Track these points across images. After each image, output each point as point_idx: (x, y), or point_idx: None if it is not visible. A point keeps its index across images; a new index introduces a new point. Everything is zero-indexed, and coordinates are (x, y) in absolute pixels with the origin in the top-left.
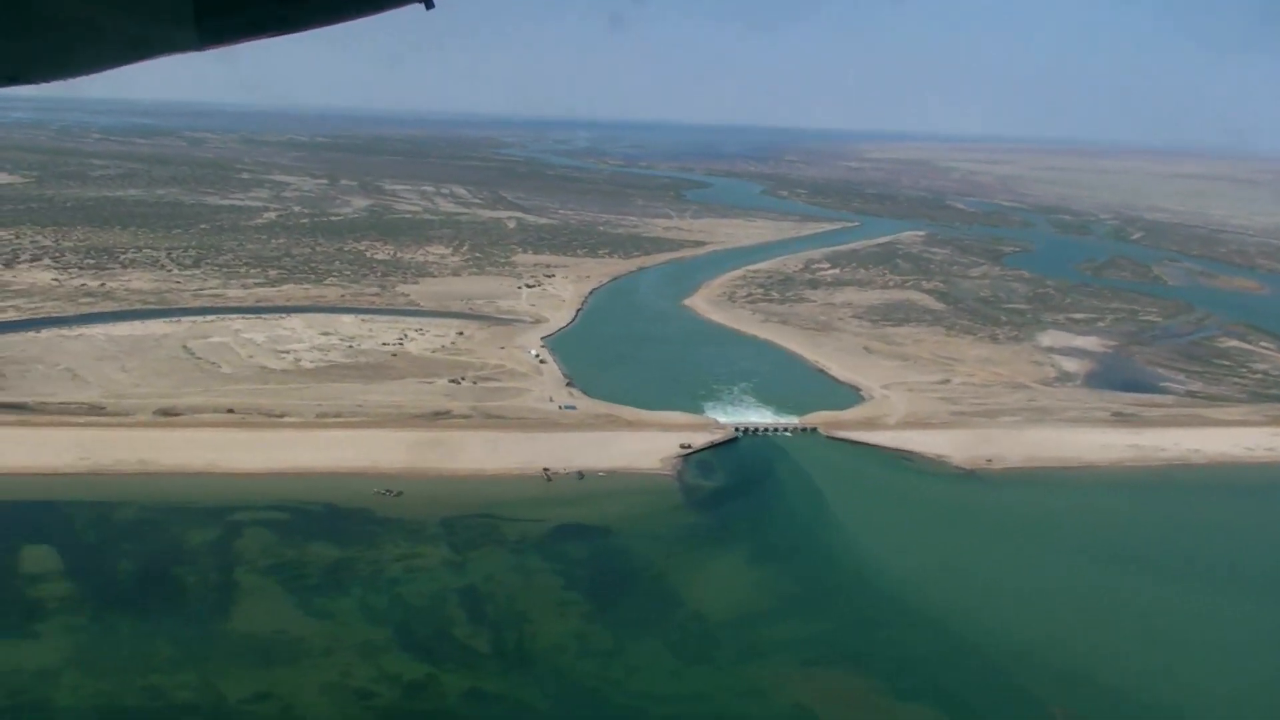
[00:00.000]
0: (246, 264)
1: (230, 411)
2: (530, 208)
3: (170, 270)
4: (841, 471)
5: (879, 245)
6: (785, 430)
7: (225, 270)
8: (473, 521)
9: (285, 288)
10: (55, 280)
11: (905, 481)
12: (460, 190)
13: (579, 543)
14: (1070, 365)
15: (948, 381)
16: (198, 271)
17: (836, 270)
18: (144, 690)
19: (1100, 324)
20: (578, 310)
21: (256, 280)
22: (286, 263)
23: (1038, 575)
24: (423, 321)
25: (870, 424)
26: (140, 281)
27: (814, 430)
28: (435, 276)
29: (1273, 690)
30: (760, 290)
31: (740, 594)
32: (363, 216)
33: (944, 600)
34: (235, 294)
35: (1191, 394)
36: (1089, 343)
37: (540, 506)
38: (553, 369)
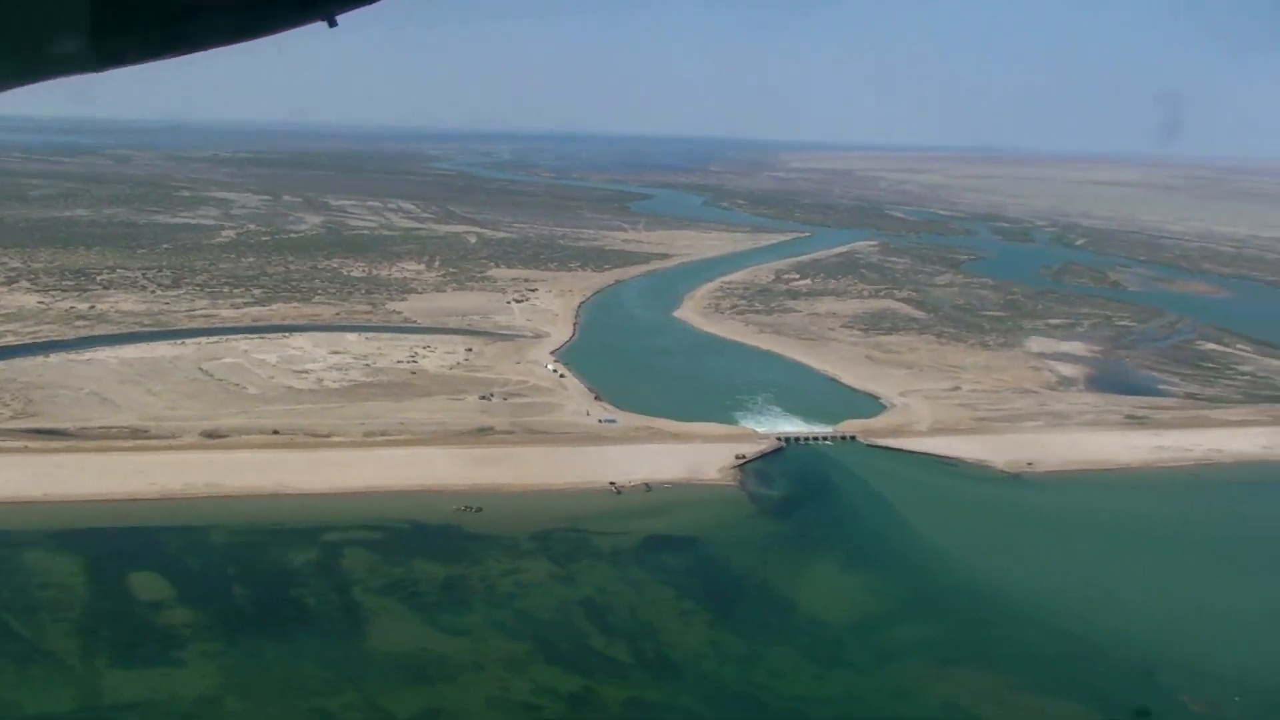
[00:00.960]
0: (226, 283)
1: (275, 433)
2: (484, 222)
3: (153, 291)
4: (894, 478)
5: (838, 255)
6: (825, 439)
7: (208, 290)
8: (562, 535)
9: (275, 306)
10: (41, 303)
11: (958, 486)
12: (407, 205)
13: (672, 553)
14: (1067, 370)
15: (958, 389)
16: (180, 292)
17: (808, 281)
18: (312, 713)
19: (1079, 329)
20: (574, 324)
21: (244, 300)
22: (265, 281)
23: (1119, 571)
24: (427, 338)
25: (901, 431)
26: (128, 303)
27: (853, 439)
28: (420, 293)
29: None
30: (743, 301)
31: (850, 599)
32: (321, 233)
33: (1043, 598)
34: (228, 314)
35: (1191, 396)
36: (1076, 348)
37: (620, 519)
38: (575, 383)
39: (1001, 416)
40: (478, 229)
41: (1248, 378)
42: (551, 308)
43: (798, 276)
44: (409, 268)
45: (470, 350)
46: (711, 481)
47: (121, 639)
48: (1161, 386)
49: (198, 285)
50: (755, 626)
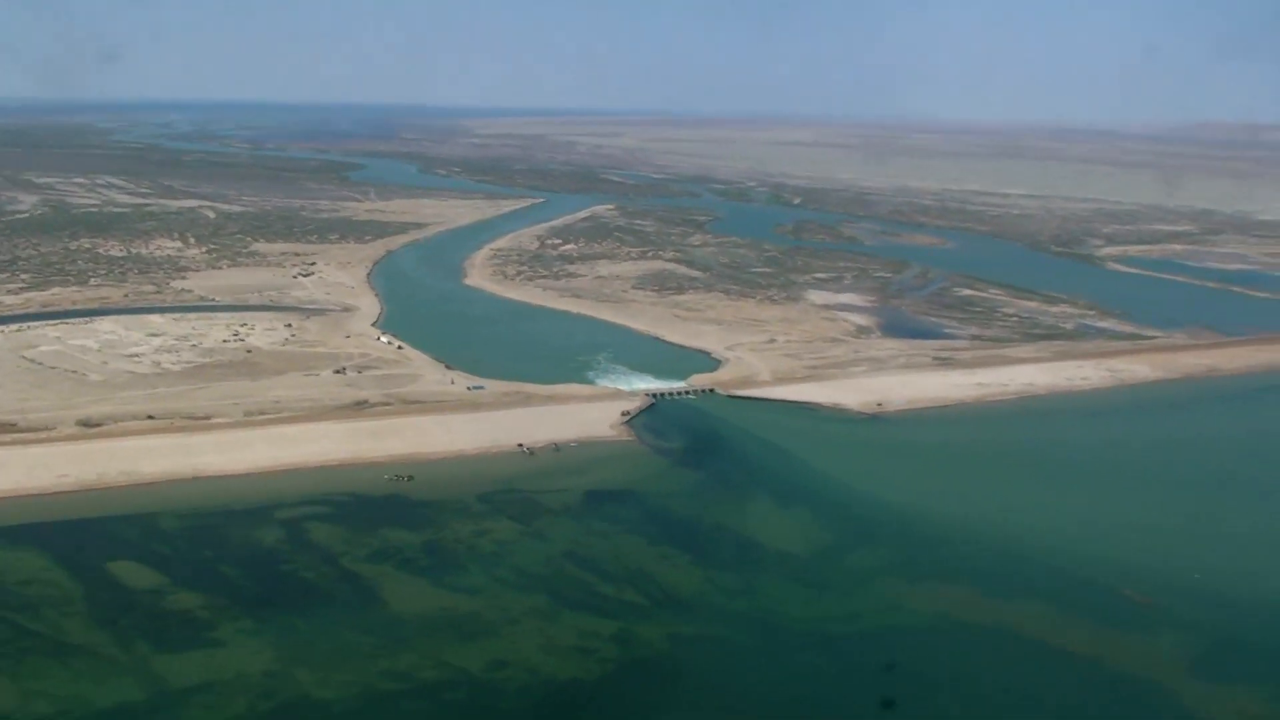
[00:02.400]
0: None
1: (151, 418)
2: (212, 196)
3: None
4: (770, 425)
5: (584, 220)
6: (688, 393)
7: None
8: (505, 497)
9: (55, 291)
10: None
11: (830, 428)
12: (117, 181)
13: (618, 505)
14: (858, 319)
15: (774, 341)
16: None
17: (572, 246)
18: (385, 675)
19: (846, 282)
20: (376, 296)
21: (17, 285)
22: (26, 265)
23: (1001, 491)
24: (237, 316)
25: (749, 382)
26: None
27: (712, 391)
28: (197, 271)
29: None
30: (525, 267)
31: (798, 531)
32: (48, 213)
33: (955, 520)
34: (10, 300)
35: (976, 337)
36: (852, 299)
37: (549, 478)
38: (416, 354)
39: (827, 364)
40: (209, 203)
41: (1015, 319)
42: (341, 280)
43: (560, 241)
44: (167, 245)
45: (289, 326)
46: (610, 438)
47: (146, 627)
48: (947, 330)
49: None
50: (733, 562)
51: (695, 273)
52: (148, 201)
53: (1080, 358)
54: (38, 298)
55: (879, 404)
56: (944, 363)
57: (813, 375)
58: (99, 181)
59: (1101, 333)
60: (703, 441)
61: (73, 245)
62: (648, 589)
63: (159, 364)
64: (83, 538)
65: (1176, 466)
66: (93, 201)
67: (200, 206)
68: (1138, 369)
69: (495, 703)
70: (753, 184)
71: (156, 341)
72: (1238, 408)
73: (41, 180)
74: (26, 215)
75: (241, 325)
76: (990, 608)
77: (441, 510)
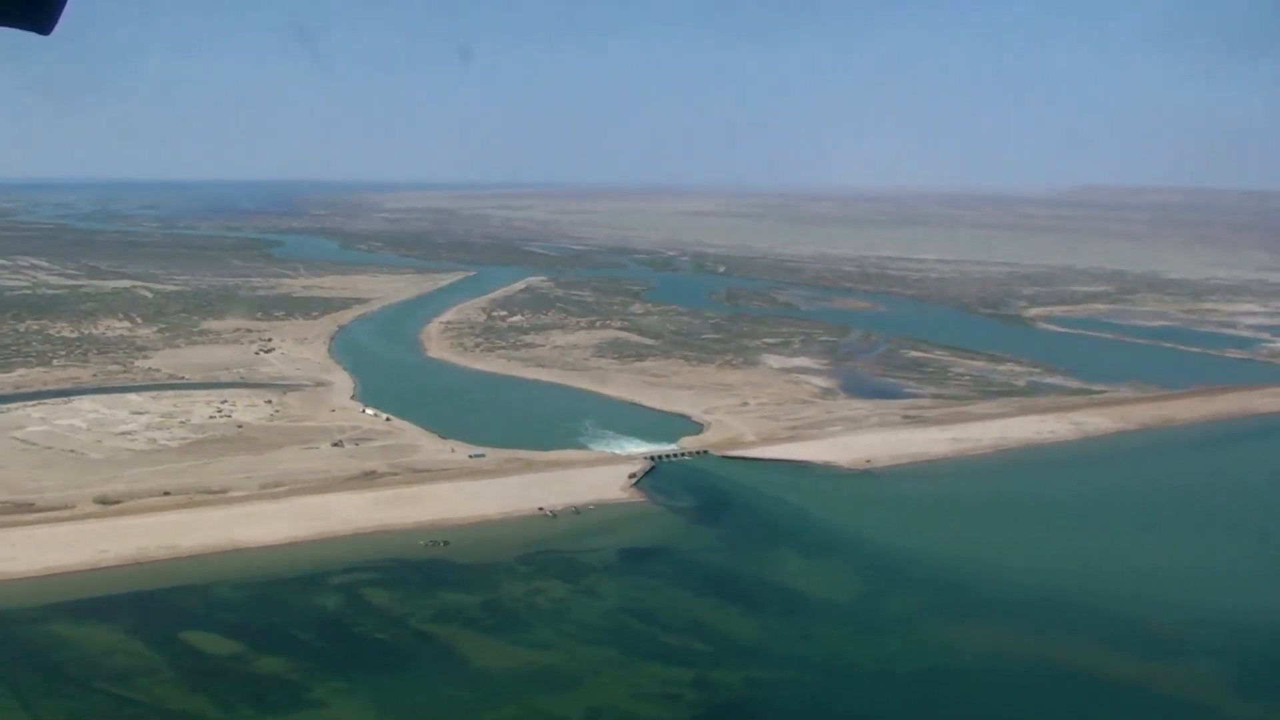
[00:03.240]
0: None
1: (167, 494)
2: (141, 275)
3: None
4: (770, 483)
5: (522, 292)
6: (684, 455)
7: None
8: (543, 557)
9: (20, 373)
10: None
11: (827, 484)
12: (39, 262)
13: (654, 562)
14: (820, 382)
15: (747, 404)
16: None
17: (519, 317)
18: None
19: (795, 346)
20: (345, 371)
21: None
22: None
23: (1004, 537)
24: (214, 393)
25: (736, 444)
26: None
27: (705, 452)
28: (157, 349)
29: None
30: (481, 339)
31: (831, 579)
32: None
33: (970, 564)
34: None
35: (937, 396)
36: (807, 362)
37: (579, 538)
38: (405, 425)
39: (804, 424)
40: (141, 283)
41: (968, 378)
42: (305, 356)
43: (506, 313)
44: (115, 326)
45: (269, 402)
46: (624, 500)
47: (243, 691)
48: (907, 390)
49: None
50: (782, 610)
51: (648, 340)
52: (79, 283)
53: (1041, 412)
54: (6, 379)
55: (867, 460)
56: (914, 420)
57: (795, 435)
58: (21, 263)
59: (1052, 388)
60: (712, 500)
61: (20, 327)
62: (710, 638)
63: (155, 441)
64: (145, 610)
65: (1163, 508)
66: (22, 283)
67: (134, 286)
68: (1098, 421)
69: None
70: (673, 253)
71: (143, 419)
72: (1203, 453)
73: None
74: None
75: (223, 402)
76: (1032, 643)
77: (487, 572)
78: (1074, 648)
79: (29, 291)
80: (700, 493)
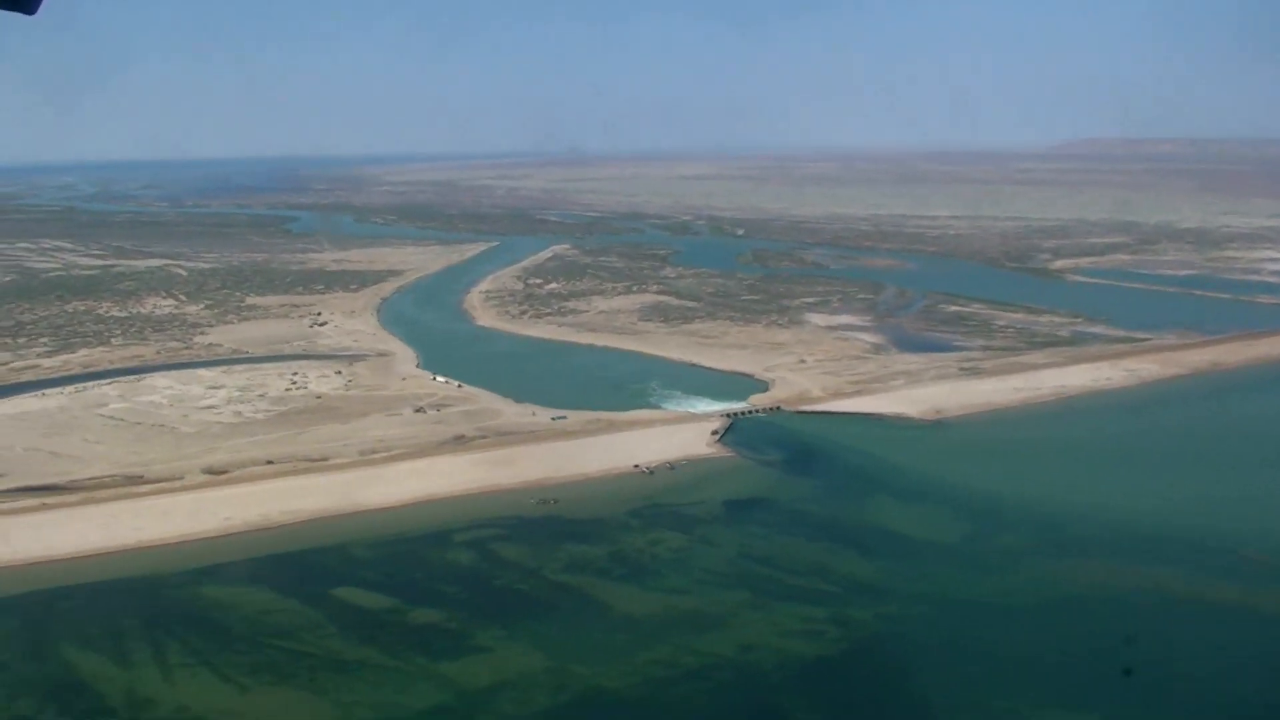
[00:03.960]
0: (10, 334)
1: (270, 463)
2: (170, 254)
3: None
4: (847, 434)
5: (550, 260)
6: (757, 411)
7: (3, 345)
8: (653, 511)
9: (83, 353)
10: None
11: (903, 434)
12: (64, 244)
13: (760, 511)
14: (868, 338)
15: (804, 361)
16: (13, 339)
17: (555, 284)
18: (653, 664)
19: (835, 304)
20: (402, 341)
21: (43, 349)
22: (34, 330)
23: (1083, 478)
24: (281, 366)
25: (804, 399)
26: None
27: (778, 409)
28: (212, 326)
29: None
30: (526, 306)
31: (934, 524)
32: (18, 279)
33: (1063, 505)
34: (49, 364)
35: (986, 348)
36: (851, 320)
37: (679, 492)
38: (478, 391)
39: (866, 379)
40: (171, 261)
41: (1011, 330)
42: (358, 328)
43: (541, 281)
44: (162, 304)
45: (339, 373)
46: (714, 455)
47: (409, 641)
48: (956, 344)
49: None
50: (893, 552)
51: (689, 303)
52: (109, 263)
53: (1092, 360)
54: (74, 359)
55: (937, 411)
56: (971, 372)
57: (860, 390)
58: (45, 245)
59: (1096, 338)
60: (797, 453)
61: (67, 308)
62: (833, 579)
63: (240, 413)
64: (286, 570)
65: (1230, 446)
66: (54, 265)
67: (166, 265)
68: (1149, 367)
69: (763, 678)
70: (687, 218)
71: (221, 393)
72: (1258, 395)
73: None
74: None
75: (293, 374)
76: (1135, 574)
77: (603, 526)
78: (1175, 577)
79: (63, 273)
80: (784, 446)
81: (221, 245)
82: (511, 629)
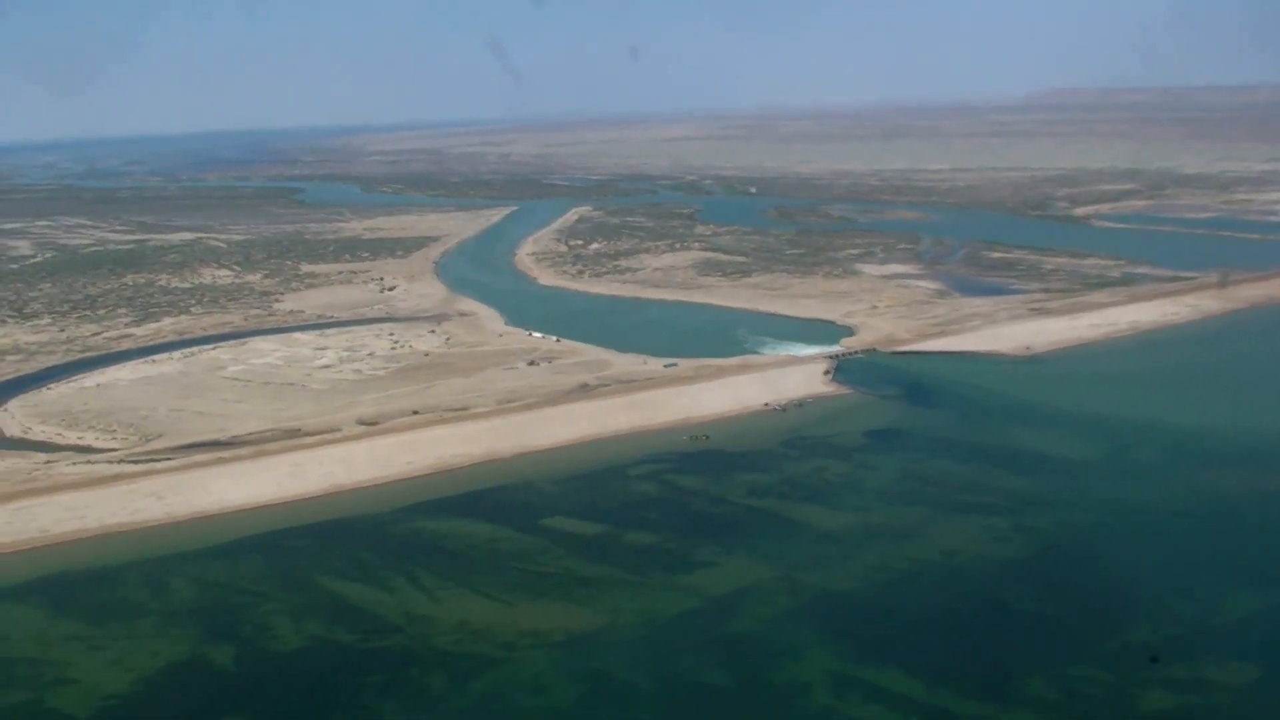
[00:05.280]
0: (75, 308)
1: (416, 413)
2: (197, 227)
3: (19, 321)
4: (951, 371)
5: (579, 222)
6: (856, 353)
7: (76, 316)
8: (803, 443)
9: (170, 321)
10: None
11: (1004, 369)
12: (80, 220)
13: (903, 440)
14: (927, 284)
15: (875, 307)
16: (46, 321)
17: (596, 245)
18: (871, 568)
19: (880, 255)
20: (475, 301)
21: (129, 320)
22: (107, 301)
23: (1201, 402)
24: (374, 328)
25: (893, 341)
26: (20, 335)
27: (873, 350)
28: (283, 294)
29: None
30: (580, 266)
31: (1069, 445)
32: (58, 255)
33: (1180, 426)
34: (140, 333)
35: (1046, 290)
36: (902, 268)
37: (820, 425)
38: (575, 344)
39: (943, 322)
40: (203, 234)
41: (1061, 273)
42: (425, 290)
43: (580, 242)
44: (220, 274)
45: (434, 332)
46: (834, 393)
47: (637, 558)
48: (1015, 287)
49: (57, 313)
50: (1044, 470)
51: (738, 258)
52: (140, 237)
53: (1152, 299)
54: (163, 328)
55: (1027, 348)
56: (1040, 312)
57: (943, 331)
58: (65, 222)
59: (1146, 278)
60: (912, 388)
61: (126, 281)
62: (999, 494)
63: (360, 371)
64: (486, 505)
65: None
66: (87, 241)
67: (200, 238)
68: (1209, 303)
69: (973, 576)
70: (693, 178)
71: (330, 354)
72: None
73: (5, 226)
74: (38, 259)
75: (390, 335)
76: (1272, 482)
77: (762, 457)
78: None
79: (100, 248)
80: (896, 383)
81: (244, 217)
82: (725, 546)
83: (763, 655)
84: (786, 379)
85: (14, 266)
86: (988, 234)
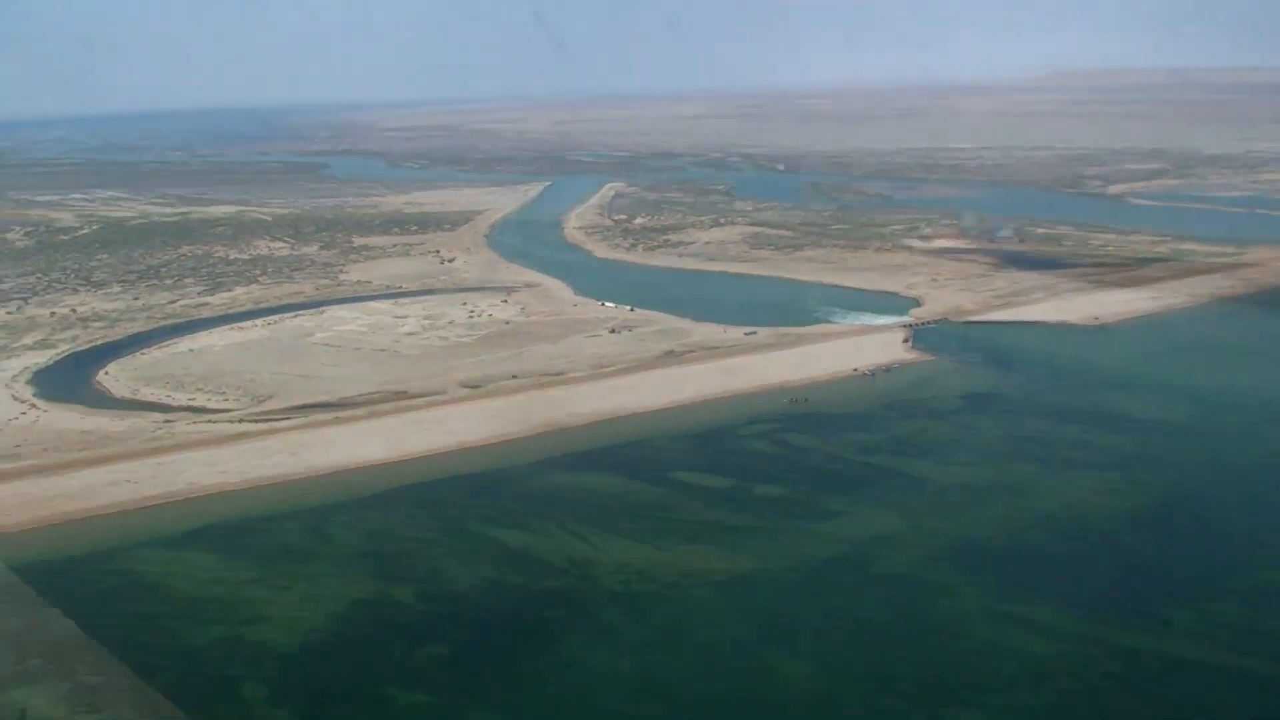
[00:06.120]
0: (143, 278)
1: (515, 378)
2: (239, 200)
3: (90, 290)
4: (1026, 339)
5: (617, 197)
6: (927, 323)
7: (149, 286)
8: (901, 405)
9: (243, 290)
10: (53, 312)
11: (1076, 337)
12: (118, 193)
13: (995, 402)
14: (981, 258)
15: (936, 279)
16: (118, 289)
17: (641, 219)
18: (1000, 518)
19: (926, 230)
20: (539, 273)
21: (201, 289)
22: (172, 272)
23: (1272, 371)
24: (448, 298)
25: (961, 312)
26: (95, 303)
27: (945, 320)
28: (345, 266)
29: None
30: (631, 239)
31: (1154, 406)
32: (105, 228)
33: (1256, 390)
34: (213, 301)
35: (1099, 264)
36: (952, 243)
37: (911, 389)
38: (651, 314)
39: (1006, 293)
40: (244, 207)
41: (1110, 248)
42: (487, 262)
43: (625, 216)
44: (275, 246)
45: (506, 302)
46: (917, 359)
47: (773, 509)
48: (1067, 260)
49: (125, 282)
50: (1139, 429)
51: (784, 233)
52: (181, 210)
53: (1204, 273)
54: (239, 296)
55: (1095, 318)
56: (1099, 284)
57: (1008, 303)
58: (100, 195)
59: (1192, 253)
60: (992, 355)
61: (182, 252)
62: (1102, 452)
63: (446, 339)
64: (613, 461)
65: None
66: (129, 214)
67: (242, 211)
68: (1264, 277)
69: (1098, 524)
70: (717, 154)
71: (411, 322)
72: None
73: (41, 199)
74: (86, 231)
75: (463, 304)
76: None
77: (864, 418)
78: None
79: (145, 221)
80: (975, 350)
81: (280, 191)
82: (852, 498)
83: (915, 593)
84: (868, 346)
85: (64, 238)
86: (1028, 210)
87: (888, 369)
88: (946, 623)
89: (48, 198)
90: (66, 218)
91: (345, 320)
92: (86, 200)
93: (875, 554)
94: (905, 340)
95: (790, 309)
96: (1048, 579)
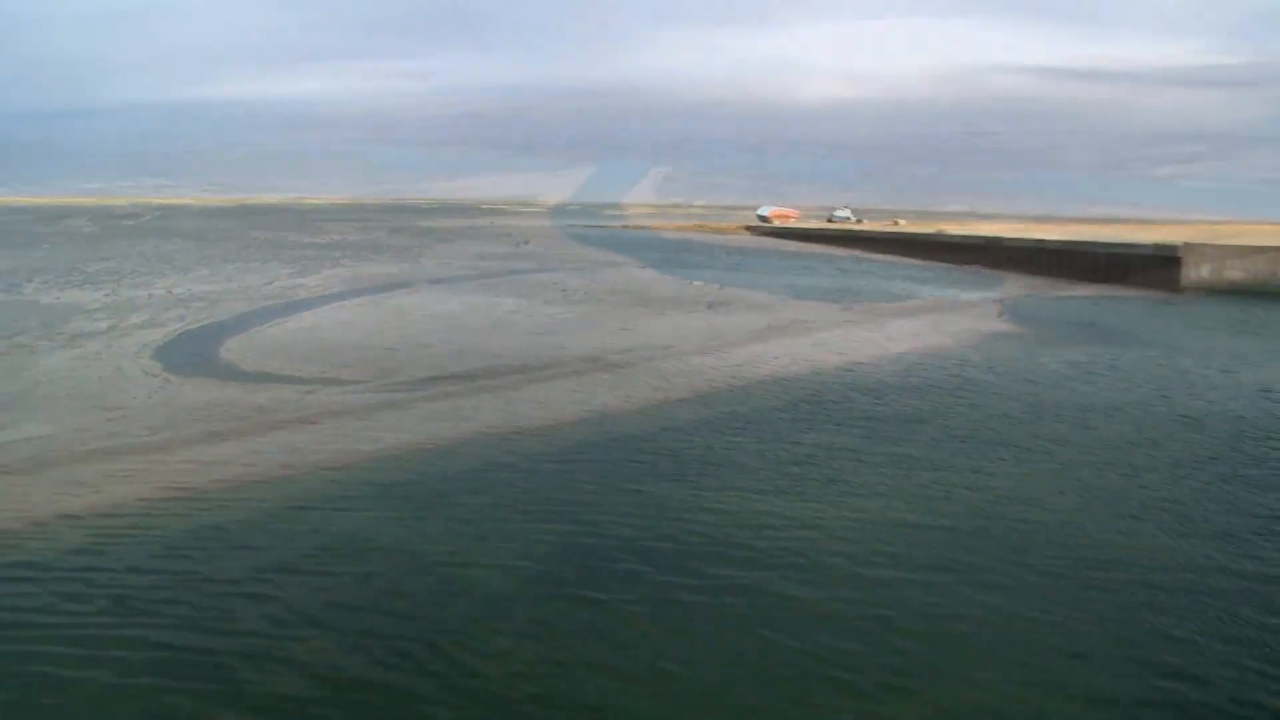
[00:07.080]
0: (223, 261)
1: (629, 350)
2: (290, 189)
3: (196, 273)
4: (1107, 312)
5: (666, 180)
6: (1013, 297)
7: (234, 269)
8: (1019, 370)
9: (326, 272)
10: (150, 294)
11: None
12: (162, 181)
13: (1139, 362)
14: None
15: None
16: (207, 271)
17: (700, 202)
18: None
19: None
20: (615, 253)
21: (289, 271)
22: (248, 256)
23: None
24: (535, 278)
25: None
26: (191, 284)
27: (1028, 293)
28: (422, 249)
29: None
30: (697, 221)
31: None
32: (167, 215)
33: None
34: (309, 282)
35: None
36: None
37: (1027, 358)
38: (737, 291)
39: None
40: (294, 195)
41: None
42: (555, 243)
43: (684, 200)
44: (345, 231)
45: (592, 281)
46: (1018, 331)
47: (916, 467)
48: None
49: (210, 265)
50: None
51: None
52: (237, 197)
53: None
54: (329, 278)
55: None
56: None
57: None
58: (145, 184)
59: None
60: (1089, 326)
61: (257, 236)
62: (1239, 389)
63: (552, 316)
64: (743, 424)
65: None
66: (184, 200)
67: (296, 199)
68: None
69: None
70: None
71: (510, 302)
72: None
73: (88, 186)
74: (147, 217)
75: (554, 284)
76: None
77: (989, 384)
78: None
79: (204, 208)
80: (1069, 322)
81: (325, 176)
82: (1003, 454)
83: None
84: (962, 319)
85: (129, 223)
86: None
87: (990, 339)
88: (1132, 555)
89: (88, 185)
90: (121, 204)
91: (442, 300)
92: (134, 188)
93: (1065, 510)
94: (1000, 314)
95: (870, 290)
96: None
